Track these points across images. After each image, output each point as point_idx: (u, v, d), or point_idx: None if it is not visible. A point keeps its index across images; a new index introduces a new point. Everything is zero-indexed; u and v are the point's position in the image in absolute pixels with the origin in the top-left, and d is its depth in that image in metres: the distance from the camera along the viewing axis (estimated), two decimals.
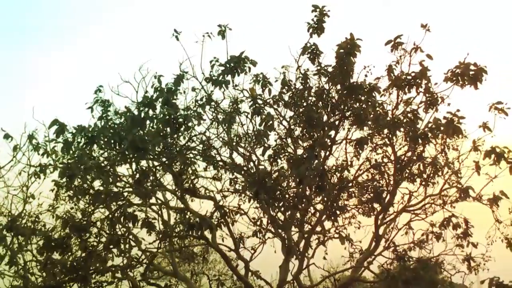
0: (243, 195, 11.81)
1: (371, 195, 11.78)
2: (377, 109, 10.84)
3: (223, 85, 10.71)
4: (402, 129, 10.85)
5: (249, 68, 10.59)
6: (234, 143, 11.41)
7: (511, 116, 10.55)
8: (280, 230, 11.61)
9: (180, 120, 10.36)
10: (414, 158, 11.12)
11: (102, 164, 10.25)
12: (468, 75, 10.37)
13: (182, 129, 10.57)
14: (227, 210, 11.73)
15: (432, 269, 11.43)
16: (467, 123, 10.73)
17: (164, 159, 10.80)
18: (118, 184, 10.65)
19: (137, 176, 10.48)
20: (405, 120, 10.74)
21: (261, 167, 11.25)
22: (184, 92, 11.00)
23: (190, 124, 10.61)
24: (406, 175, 11.32)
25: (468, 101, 11.31)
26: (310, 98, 11.23)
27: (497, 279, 10.33)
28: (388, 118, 10.84)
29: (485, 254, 11.63)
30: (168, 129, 10.39)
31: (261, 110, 11.02)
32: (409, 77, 10.73)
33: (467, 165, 11.13)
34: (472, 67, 10.38)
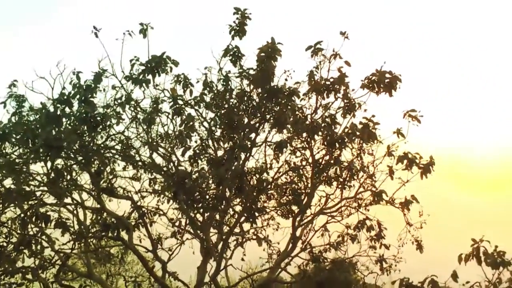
0: (162, 195, 11.69)
1: (290, 197, 11.98)
2: (297, 113, 11.03)
3: (144, 84, 10.57)
4: (320, 133, 11.11)
5: (171, 68, 10.51)
6: (154, 143, 11.28)
7: (423, 123, 11.05)
8: (198, 231, 11.59)
9: (98, 118, 10.13)
10: (331, 161, 11.40)
11: (14, 162, 9.87)
12: (383, 82, 10.75)
13: (100, 127, 10.35)
14: (146, 211, 11.59)
15: (346, 270, 11.75)
16: (382, 129, 11.17)
17: (80, 158, 10.54)
18: (31, 182, 10.30)
19: (52, 175, 10.17)
20: (323, 125, 11.00)
21: (181, 168, 11.18)
22: (104, 90, 10.78)
23: (108, 122, 10.41)
24: (324, 178, 11.57)
25: (384, 107, 11.73)
26: (231, 100, 11.28)
27: (407, 280, 10.70)
28: (307, 122, 11.07)
29: (396, 256, 12.07)
30: (85, 127, 10.14)
31: (182, 111, 10.98)
32: (328, 83, 10.99)
33: (381, 170, 11.53)
34: (387, 75, 10.76)
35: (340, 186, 11.66)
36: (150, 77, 10.48)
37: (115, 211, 11.00)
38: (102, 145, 10.71)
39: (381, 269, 12.03)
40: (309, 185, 11.64)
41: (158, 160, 11.36)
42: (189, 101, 11.32)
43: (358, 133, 10.83)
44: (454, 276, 9.53)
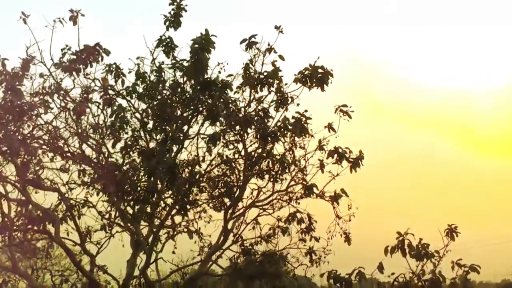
0: (91, 187, 11.43)
1: (222, 190, 11.97)
2: (230, 106, 11.03)
3: (74, 73, 10.29)
4: (253, 127, 11.15)
5: (102, 57, 10.27)
6: (84, 134, 11.01)
7: (354, 118, 11.29)
8: (129, 224, 11.40)
9: (25, 107, 9.79)
10: (264, 155, 11.48)
11: None
12: (316, 77, 10.91)
13: (26, 117, 10.00)
14: (74, 203, 11.30)
15: (277, 262, 11.87)
16: (314, 123, 11.34)
17: (5, 148, 10.15)
18: None
19: None
20: (256, 118, 11.04)
21: (111, 159, 10.97)
22: (31, 78, 10.41)
23: (36, 112, 10.07)
24: (256, 171, 11.64)
25: (318, 102, 11.91)
26: (164, 91, 11.15)
27: (335, 272, 10.92)
28: (240, 115, 11.08)
29: (326, 248, 12.27)
30: (11, 117, 9.77)
31: (113, 101, 10.76)
32: (262, 76, 11.05)
33: (312, 163, 11.68)
34: (320, 70, 10.94)
35: (272, 179, 11.76)
36: (81, 66, 10.22)
37: (42, 203, 10.68)
38: (28, 135, 10.35)
39: (310, 261, 12.21)
40: (241, 178, 11.67)
41: (88, 151, 11.12)
42: (121, 92, 11.11)
43: (290, 127, 10.94)
44: (380, 267, 9.81)
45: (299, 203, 12.02)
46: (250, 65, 11.20)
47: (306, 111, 11.10)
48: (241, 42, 11.06)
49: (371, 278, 10.57)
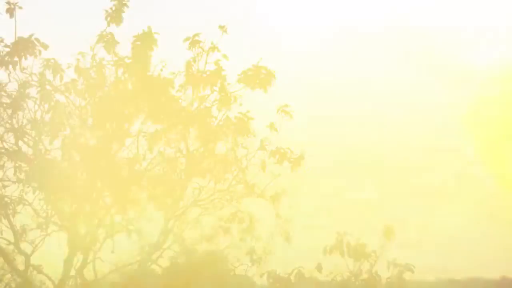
0: (27, 185, 11.08)
1: (163, 189, 11.82)
2: (173, 104, 10.93)
3: (10, 67, 9.97)
4: (195, 126, 11.08)
5: (40, 51, 10.00)
6: (20, 130, 10.69)
7: (296, 118, 11.41)
8: (66, 223, 11.13)
9: None
10: (206, 154, 11.42)
11: None
12: (259, 78, 10.95)
13: None
14: (8, 201, 10.94)
15: (217, 262, 11.84)
16: (257, 123, 11.37)
17: None
18: None
19: None
20: (198, 117, 10.99)
21: (49, 156, 10.69)
22: None
23: None
24: (197, 170, 11.56)
25: (261, 102, 11.95)
26: (105, 88, 10.94)
27: (274, 272, 11.02)
28: (183, 114, 11.00)
29: (266, 248, 12.32)
30: None
31: (51, 97, 10.48)
32: (205, 75, 11.01)
33: (254, 163, 11.70)
34: (263, 71, 10.99)
35: (213, 178, 11.71)
36: (16, 59, 9.92)
37: None
38: None
39: (251, 260, 12.23)
40: (183, 177, 11.57)
41: (24, 148, 10.79)
42: (59, 87, 10.83)
43: (232, 127, 10.94)
44: (319, 267, 9.99)
45: (240, 203, 12.03)
46: (193, 64, 11.13)
47: (248, 111, 11.13)
48: (185, 40, 10.99)
49: (310, 278, 10.71)
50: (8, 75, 10.28)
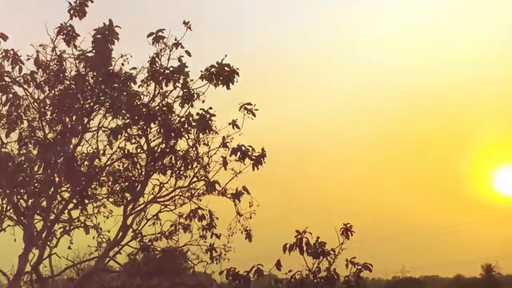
0: None
1: (123, 184, 11.72)
2: (134, 99, 10.82)
3: None
4: (157, 122, 11.00)
5: None
6: None
7: (258, 116, 11.42)
8: (22, 218, 10.90)
9: None
10: (167, 150, 11.35)
11: None
12: (222, 75, 10.93)
13: None
14: None
15: (176, 259, 11.79)
16: (220, 120, 11.35)
17: None
18: None
19: None
20: (160, 113, 10.91)
21: (4, 150, 10.44)
22: None
23: None
24: (158, 166, 11.50)
25: (225, 99, 11.94)
26: (65, 81, 10.75)
27: (233, 269, 11.00)
28: (144, 110, 10.90)
29: (226, 245, 12.34)
30: None
31: (8, 89, 10.24)
32: (168, 71, 10.93)
33: (215, 160, 11.70)
34: (226, 68, 10.96)
35: (174, 175, 11.66)
36: None
37: None
38: None
39: (211, 258, 12.23)
40: (143, 173, 11.49)
41: None
42: (18, 79, 10.58)
43: (194, 123, 10.90)
44: (278, 265, 10.00)
45: (200, 200, 12.03)
46: (156, 59, 11.05)
47: (210, 108, 11.10)
48: (148, 36, 10.90)
49: (269, 275, 10.73)
50: None
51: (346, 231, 10.16)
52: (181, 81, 11.08)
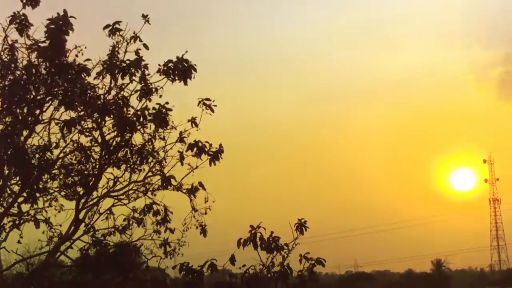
0: None
1: (76, 178, 11.52)
2: (88, 91, 10.64)
3: None
4: (112, 115, 10.85)
5: None
6: None
7: (217, 112, 11.41)
8: None
9: None
10: (122, 144, 11.22)
11: None
12: (179, 70, 10.87)
13: None
14: None
15: (130, 254, 11.68)
16: (178, 115, 11.30)
17: None
18: None
19: None
20: (115, 106, 10.77)
21: None
22: None
23: None
24: (113, 160, 11.35)
25: (185, 94, 11.88)
26: (16, 72, 10.48)
27: (187, 264, 10.97)
28: (99, 102, 10.74)
29: (180, 240, 12.28)
30: None
31: None
32: (124, 64, 10.81)
33: (171, 155, 11.63)
34: (184, 64, 10.92)
35: (129, 169, 11.54)
36: None
37: None
38: None
39: (164, 252, 12.16)
40: (97, 166, 11.33)
41: None
42: None
43: (150, 118, 10.82)
44: (232, 259, 10.04)
45: (155, 195, 11.93)
46: (113, 52, 10.89)
47: (167, 103, 11.05)
48: (105, 28, 10.76)
49: (223, 270, 10.75)
50: None
51: (301, 226, 10.28)
52: (138, 74, 10.95)
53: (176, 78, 10.95)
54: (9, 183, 10.76)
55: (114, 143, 11.24)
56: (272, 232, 10.19)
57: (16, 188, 10.93)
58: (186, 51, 10.93)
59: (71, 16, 10.01)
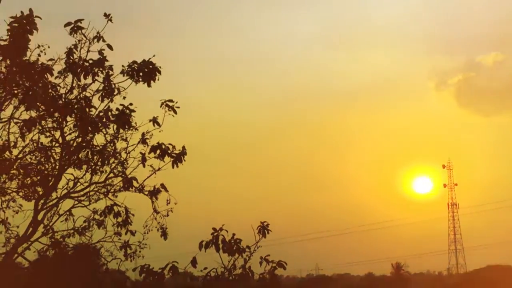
0: None
1: (35, 178, 11.32)
2: (50, 91, 10.49)
3: None
4: (73, 115, 10.71)
5: None
6: None
7: (180, 113, 11.38)
8: None
9: None
10: (83, 144, 11.08)
11: None
12: (143, 71, 10.81)
13: None
14: None
15: (89, 256, 11.53)
16: (141, 116, 11.22)
17: None
18: None
19: None
20: (77, 106, 10.64)
21: None
22: None
23: None
24: (73, 161, 11.20)
25: (149, 96, 11.80)
26: None
27: (148, 266, 10.89)
28: (60, 102, 10.59)
29: (141, 242, 12.18)
30: None
31: None
32: (87, 64, 10.68)
33: (134, 156, 11.53)
34: (149, 65, 10.86)
35: (90, 170, 11.39)
36: None
37: None
38: None
39: (125, 255, 12.04)
40: (57, 167, 11.15)
41: None
42: None
43: (112, 119, 10.71)
44: (194, 262, 10.01)
45: (116, 196, 11.80)
46: (74, 51, 10.76)
47: (131, 104, 10.97)
48: (66, 25, 10.61)
49: (184, 272, 10.72)
50: None
51: (263, 229, 10.31)
52: (101, 74, 10.84)
53: (140, 79, 10.86)
54: None
55: (75, 143, 11.09)
56: (234, 235, 10.20)
57: None
58: (154, 55, 10.90)
59: (36, 16, 9.84)
